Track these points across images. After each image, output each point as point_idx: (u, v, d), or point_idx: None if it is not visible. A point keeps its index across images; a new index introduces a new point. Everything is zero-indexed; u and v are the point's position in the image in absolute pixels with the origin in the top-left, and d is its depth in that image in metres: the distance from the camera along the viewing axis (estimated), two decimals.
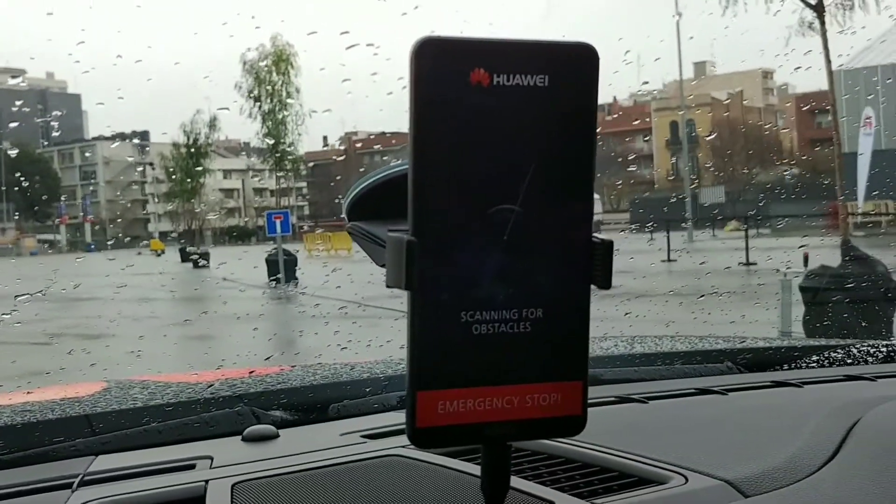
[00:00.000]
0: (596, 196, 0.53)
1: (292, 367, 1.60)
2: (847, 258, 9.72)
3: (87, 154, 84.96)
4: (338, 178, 60.43)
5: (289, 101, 32.90)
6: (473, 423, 0.54)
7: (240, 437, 1.14)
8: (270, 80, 32.82)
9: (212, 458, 1.05)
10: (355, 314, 12.31)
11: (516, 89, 0.52)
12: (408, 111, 0.51)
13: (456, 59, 0.51)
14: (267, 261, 20.02)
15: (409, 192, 0.51)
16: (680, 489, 0.82)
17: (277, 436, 1.14)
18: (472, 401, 0.54)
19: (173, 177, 42.44)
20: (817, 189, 32.60)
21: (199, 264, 30.07)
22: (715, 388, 1.25)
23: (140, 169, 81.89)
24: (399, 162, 0.62)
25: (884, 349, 1.55)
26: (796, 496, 0.78)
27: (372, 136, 76.74)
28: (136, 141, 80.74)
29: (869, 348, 1.55)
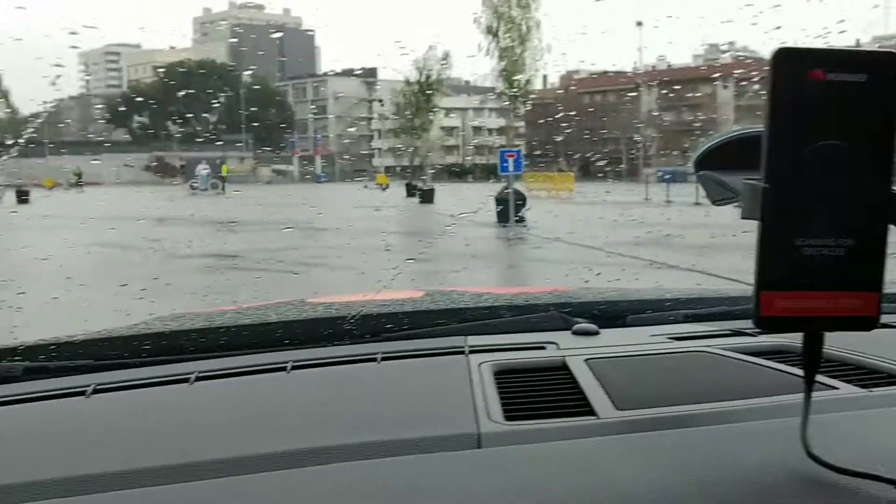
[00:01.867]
0: None
1: (586, 288, 1.92)
2: None
3: (319, 89, 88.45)
4: (558, 117, 59.56)
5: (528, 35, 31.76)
6: (799, 316, 0.73)
7: (570, 332, 1.39)
8: (509, 14, 31.88)
9: (556, 343, 1.31)
10: (596, 260, 11.83)
11: (842, 84, 0.70)
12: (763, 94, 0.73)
13: (799, 62, 0.71)
14: (496, 199, 19.82)
15: (764, 153, 0.71)
16: None
17: (598, 333, 1.39)
18: (799, 301, 0.73)
19: (405, 113, 42.84)
20: None
21: (424, 199, 30.50)
22: None
23: (367, 105, 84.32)
24: (740, 128, 0.86)
25: None
26: None
27: (594, 76, 75.14)
28: (364, 78, 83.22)
29: None
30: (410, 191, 35.38)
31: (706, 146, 0.90)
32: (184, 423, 1.03)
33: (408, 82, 40.60)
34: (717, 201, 0.86)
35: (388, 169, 66.20)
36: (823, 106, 0.70)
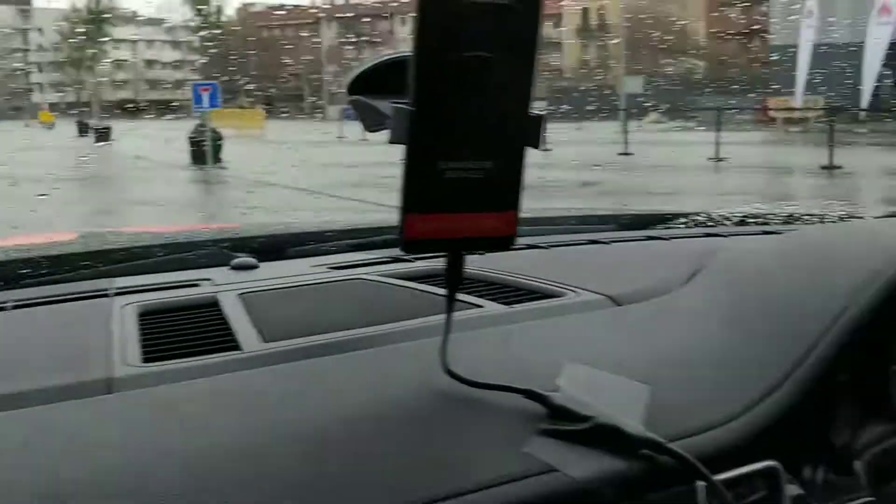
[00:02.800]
0: None
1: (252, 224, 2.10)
2: None
3: None
4: (239, 55, 57.31)
5: None
6: (441, 238, 0.75)
7: (228, 268, 1.38)
8: None
9: (210, 280, 1.30)
10: (306, 203, 11.22)
11: (487, 5, 0.69)
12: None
13: None
14: (190, 139, 18.42)
15: (410, 76, 0.69)
16: (572, 300, 1.14)
17: (258, 266, 1.38)
18: (441, 223, 0.74)
19: (71, 43, 38.79)
20: (739, 82, 32.33)
21: (100, 138, 27.88)
22: (601, 240, 1.61)
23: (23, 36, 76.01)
24: (392, 52, 0.84)
25: (739, 215, 1.92)
26: (658, 305, 1.07)
27: (270, 9, 73.20)
28: (16, 4, 74.86)
29: (727, 214, 1.92)
30: (83, 129, 32.29)
31: (358, 70, 0.86)
32: None
33: (74, 9, 36.71)
34: (371, 128, 0.81)
35: (52, 106, 60.28)
36: (468, 26, 0.69)
